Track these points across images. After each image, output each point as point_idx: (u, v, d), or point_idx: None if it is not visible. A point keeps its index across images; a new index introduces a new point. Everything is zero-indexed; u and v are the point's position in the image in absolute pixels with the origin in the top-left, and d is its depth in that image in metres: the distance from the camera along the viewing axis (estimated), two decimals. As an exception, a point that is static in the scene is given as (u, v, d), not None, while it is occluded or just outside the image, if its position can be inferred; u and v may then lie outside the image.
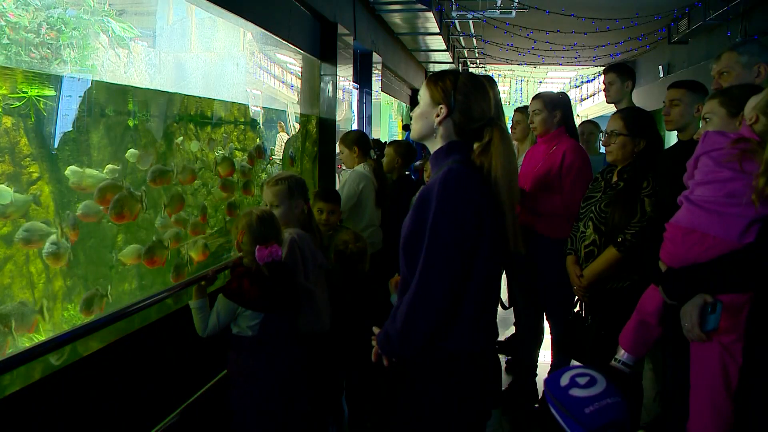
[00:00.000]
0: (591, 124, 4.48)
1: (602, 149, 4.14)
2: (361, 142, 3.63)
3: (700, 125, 1.92)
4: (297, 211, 2.47)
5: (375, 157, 3.67)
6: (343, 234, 2.82)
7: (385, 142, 4.65)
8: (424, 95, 1.65)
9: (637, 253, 2.29)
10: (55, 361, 1.91)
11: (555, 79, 17.30)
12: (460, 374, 1.58)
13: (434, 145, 1.65)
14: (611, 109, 3.25)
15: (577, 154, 2.90)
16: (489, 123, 1.61)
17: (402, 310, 1.55)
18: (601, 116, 13.04)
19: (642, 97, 3.12)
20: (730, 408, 1.59)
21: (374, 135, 6.60)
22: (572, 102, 3.60)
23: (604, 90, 3.44)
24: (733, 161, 1.57)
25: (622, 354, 1.88)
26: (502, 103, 1.69)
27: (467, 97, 1.59)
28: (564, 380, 0.86)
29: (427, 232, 1.53)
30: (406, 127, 8.35)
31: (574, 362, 2.61)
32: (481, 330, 1.59)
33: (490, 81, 2.01)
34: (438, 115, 1.61)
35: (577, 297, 2.54)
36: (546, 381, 0.89)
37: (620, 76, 3.31)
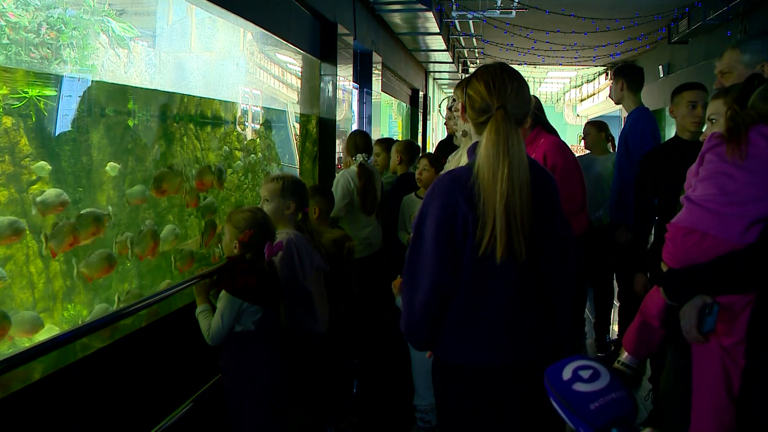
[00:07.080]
0: (597, 125, 4.28)
1: (610, 149, 4.08)
2: (348, 141, 3.83)
3: (705, 127, 1.87)
4: (288, 212, 2.46)
5: (361, 160, 3.72)
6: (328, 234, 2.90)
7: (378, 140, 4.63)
8: None
9: None
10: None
11: (555, 79, 17.25)
12: (456, 387, 1.52)
13: None
14: (611, 109, 3.31)
15: (556, 152, 2.86)
16: (489, 112, 1.45)
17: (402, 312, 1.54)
18: (602, 116, 13.00)
19: (642, 97, 3.11)
20: (732, 411, 1.56)
21: (374, 135, 6.59)
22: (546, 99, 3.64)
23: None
24: (735, 156, 1.51)
25: (624, 356, 1.83)
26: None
27: (470, 87, 1.50)
28: (566, 373, 0.83)
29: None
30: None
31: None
32: (468, 344, 1.49)
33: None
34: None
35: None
36: (547, 373, 0.85)
37: (615, 76, 3.36)
